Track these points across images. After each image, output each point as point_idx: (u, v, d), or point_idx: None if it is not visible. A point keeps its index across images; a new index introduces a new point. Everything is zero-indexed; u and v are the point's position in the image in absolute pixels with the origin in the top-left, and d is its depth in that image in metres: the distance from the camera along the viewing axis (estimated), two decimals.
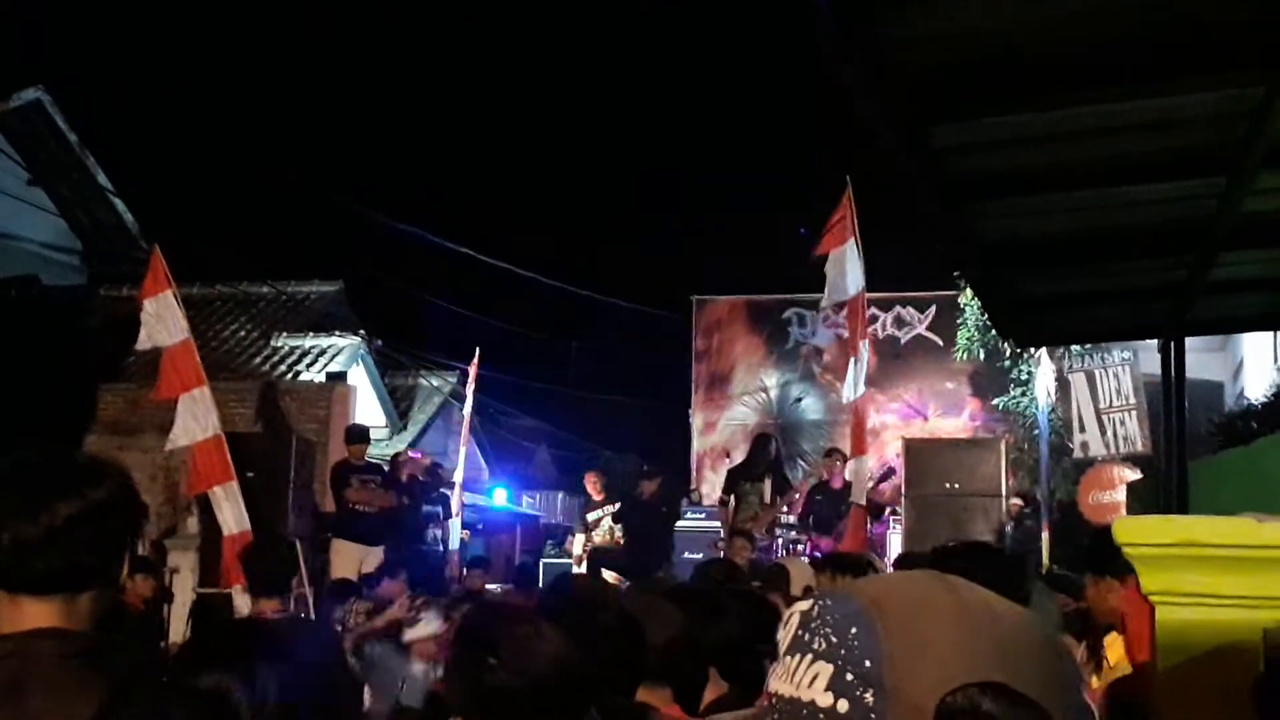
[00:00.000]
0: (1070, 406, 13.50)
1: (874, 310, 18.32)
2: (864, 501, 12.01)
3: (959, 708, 0.88)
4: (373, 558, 11.01)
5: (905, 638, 0.90)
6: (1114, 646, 3.49)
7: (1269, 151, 3.54)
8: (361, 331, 19.30)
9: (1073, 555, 11.76)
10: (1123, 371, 12.92)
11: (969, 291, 14.47)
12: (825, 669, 0.91)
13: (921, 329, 19.40)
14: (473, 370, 18.22)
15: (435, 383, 22.39)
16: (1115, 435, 12.92)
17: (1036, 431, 15.09)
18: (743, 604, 3.97)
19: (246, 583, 4.88)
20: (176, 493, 13.72)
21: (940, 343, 18.86)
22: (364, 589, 8.23)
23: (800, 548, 12.47)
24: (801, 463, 19.15)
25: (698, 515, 14.30)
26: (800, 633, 0.94)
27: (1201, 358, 12.87)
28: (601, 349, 25.89)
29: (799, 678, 0.92)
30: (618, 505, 12.81)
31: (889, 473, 13.59)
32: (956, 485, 12.15)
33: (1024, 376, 16.06)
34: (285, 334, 18.66)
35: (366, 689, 5.40)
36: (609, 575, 10.53)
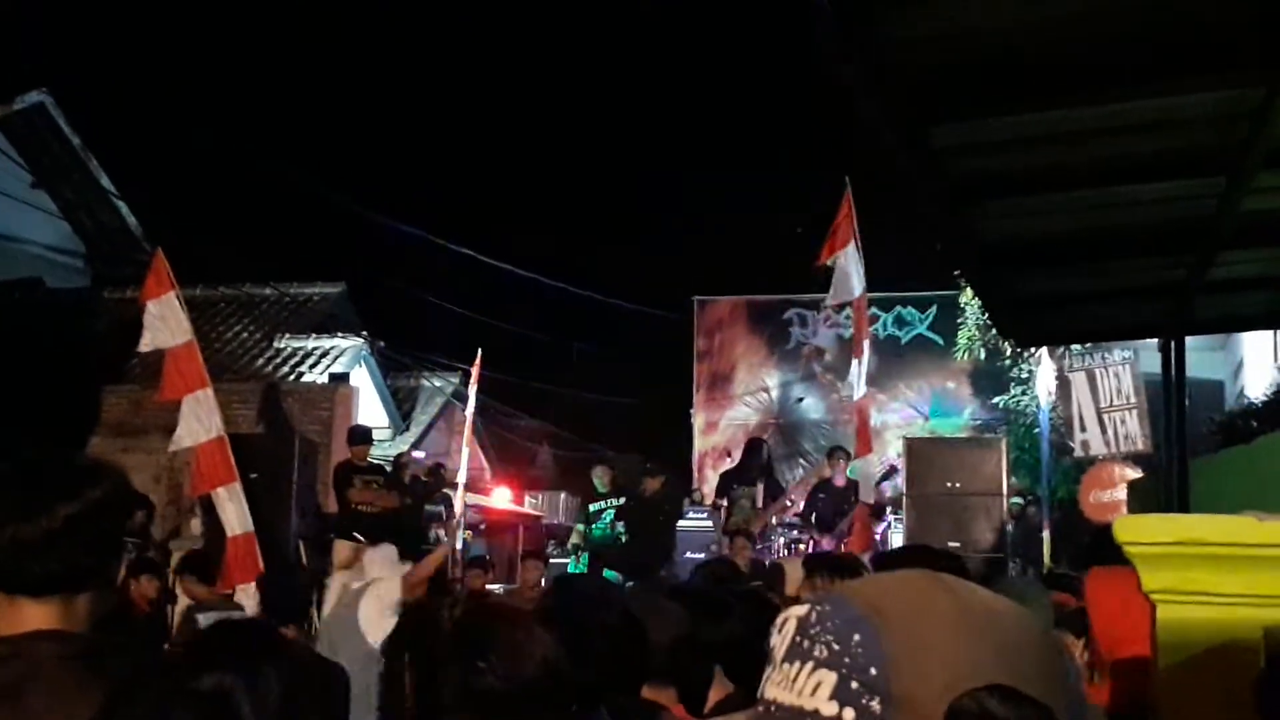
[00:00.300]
0: (1071, 405, 13.50)
1: (875, 310, 18.34)
2: (868, 501, 12.06)
3: (967, 712, 0.87)
4: (370, 555, 11.02)
5: (909, 643, 0.88)
6: None
7: (1269, 151, 3.56)
8: (364, 333, 19.30)
9: (1074, 554, 11.77)
10: (1123, 370, 12.93)
11: (969, 291, 14.48)
12: (828, 677, 0.89)
13: (922, 328, 19.42)
14: (475, 371, 18.25)
15: (437, 384, 22.40)
16: (1116, 434, 12.92)
17: (1037, 430, 15.10)
18: (746, 604, 3.98)
19: (262, 609, 4.84)
20: (180, 494, 13.74)
21: (941, 342, 18.88)
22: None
23: (802, 546, 12.49)
24: (803, 462, 19.19)
25: (699, 515, 14.31)
26: (798, 639, 0.91)
27: (1202, 357, 12.87)
28: (603, 349, 25.91)
29: (800, 686, 0.90)
30: (623, 500, 12.80)
31: (890, 471, 13.62)
32: (958, 484, 12.16)
33: (1025, 375, 16.07)
34: (288, 335, 18.67)
35: None
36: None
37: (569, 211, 36.05)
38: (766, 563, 11.49)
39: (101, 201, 19.37)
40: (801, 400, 19.89)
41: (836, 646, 0.89)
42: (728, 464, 16.82)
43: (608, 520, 12.57)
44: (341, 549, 11.67)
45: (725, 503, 12.63)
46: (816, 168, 18.56)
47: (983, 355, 17.07)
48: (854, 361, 12.96)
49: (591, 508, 12.83)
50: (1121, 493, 11.87)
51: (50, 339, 15.49)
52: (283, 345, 18.46)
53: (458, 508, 14.27)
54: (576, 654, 2.51)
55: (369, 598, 6.12)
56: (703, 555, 11.75)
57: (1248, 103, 3.33)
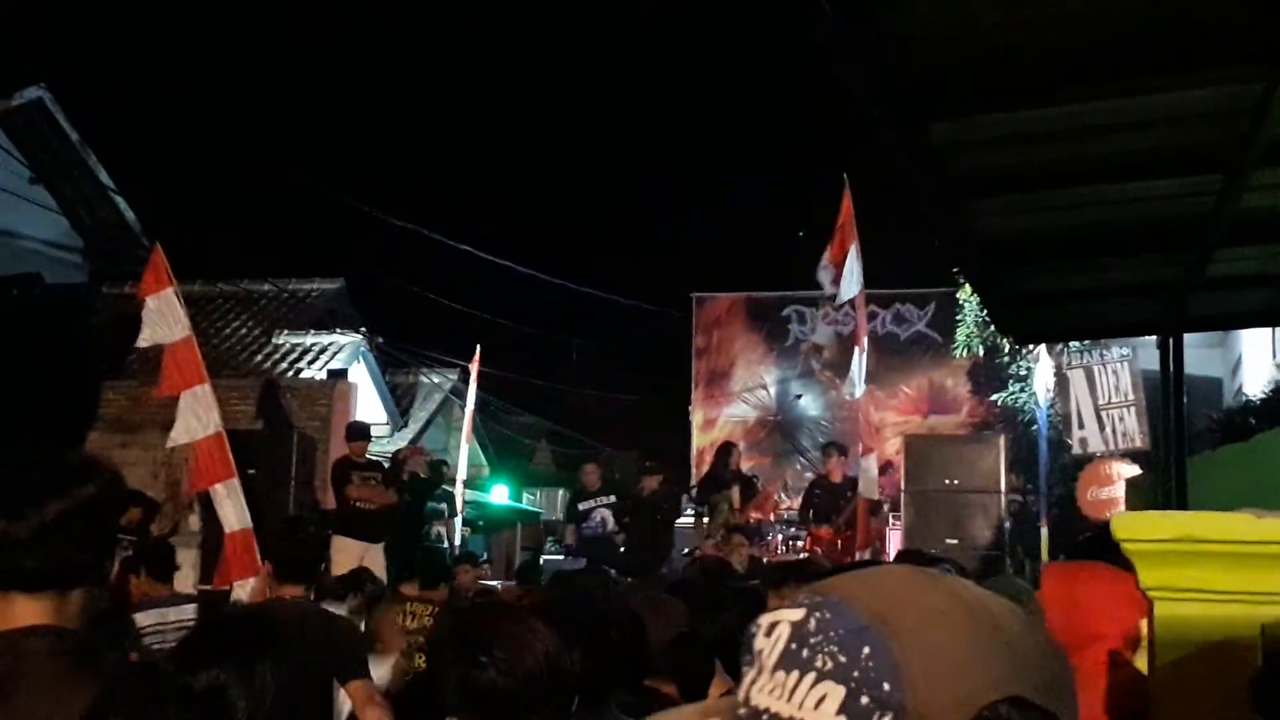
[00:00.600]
0: (1069, 402, 13.50)
1: (873, 307, 18.35)
2: (875, 497, 12.09)
3: None
4: (373, 554, 11.02)
5: (920, 655, 0.84)
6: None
7: (1267, 148, 3.56)
8: (363, 329, 19.31)
9: (1071, 551, 11.78)
10: (1121, 368, 12.93)
11: (968, 288, 14.49)
12: (835, 690, 0.84)
13: (921, 326, 19.42)
14: (474, 368, 18.25)
15: (436, 380, 22.42)
16: (1114, 431, 12.92)
17: (1035, 427, 15.11)
18: (744, 601, 3.99)
19: (272, 567, 4.80)
20: (178, 490, 13.74)
21: (940, 339, 18.89)
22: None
23: (800, 543, 12.52)
24: (801, 459, 19.19)
25: (696, 509, 14.32)
26: (794, 647, 0.86)
27: (1200, 354, 12.88)
28: (602, 346, 25.94)
29: (801, 698, 0.85)
30: (612, 498, 12.77)
31: (884, 467, 13.65)
32: (956, 481, 12.19)
33: (1023, 372, 16.07)
34: (286, 331, 18.68)
35: None
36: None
37: (569, 208, 36.08)
38: (764, 559, 11.51)
39: (100, 197, 19.36)
40: (800, 397, 19.90)
41: (843, 659, 0.84)
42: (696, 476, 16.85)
43: (598, 519, 12.55)
44: (340, 545, 11.67)
45: (705, 509, 12.66)
46: (815, 166, 18.60)
47: (981, 352, 17.07)
48: (854, 360, 12.98)
49: (580, 506, 12.80)
50: (1119, 490, 11.88)
51: (49, 335, 15.49)
52: (281, 341, 18.47)
53: (458, 504, 14.29)
54: (576, 650, 2.51)
55: None
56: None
57: (1245, 99, 3.33)
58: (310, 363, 17.95)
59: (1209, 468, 6.94)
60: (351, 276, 20.85)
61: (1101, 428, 13.02)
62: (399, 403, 21.27)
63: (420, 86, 37.61)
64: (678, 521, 13.49)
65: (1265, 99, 3.26)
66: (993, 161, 3.95)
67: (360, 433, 12.67)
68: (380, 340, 19.96)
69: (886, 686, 0.83)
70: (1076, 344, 13.19)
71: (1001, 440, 12.80)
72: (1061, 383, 13.89)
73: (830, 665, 0.84)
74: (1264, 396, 10.52)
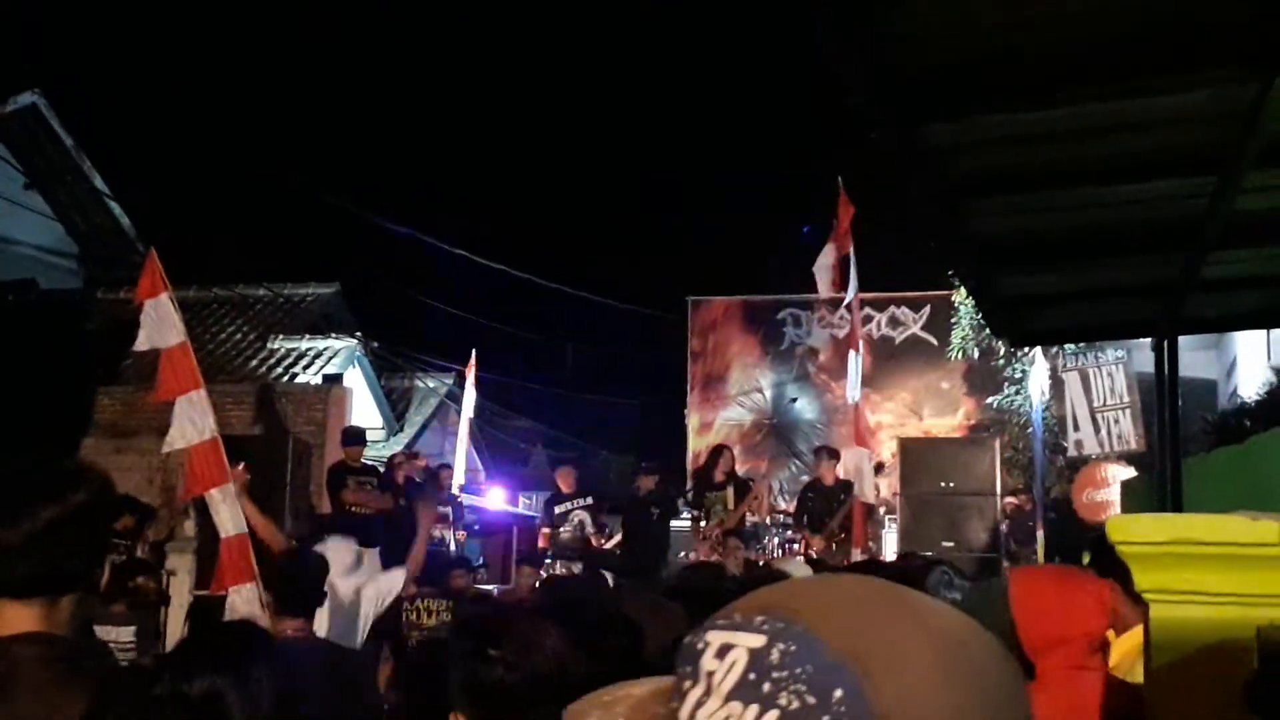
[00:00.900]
0: (1064, 405, 13.53)
1: (869, 310, 18.37)
2: (872, 498, 12.10)
3: None
4: (369, 560, 11.01)
5: (894, 698, 0.77)
6: (1113, 647, 3.50)
7: (1261, 150, 3.56)
8: (358, 334, 19.31)
9: (1067, 554, 11.79)
10: (1116, 370, 12.95)
11: (963, 291, 14.50)
12: None
13: (916, 329, 19.44)
14: (470, 372, 18.25)
15: (431, 384, 22.41)
16: (1109, 433, 12.94)
17: (1031, 430, 15.13)
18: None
19: (273, 599, 4.60)
20: (173, 495, 13.71)
21: (935, 342, 18.91)
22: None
23: (796, 546, 12.51)
24: (797, 462, 19.20)
25: (693, 513, 14.32)
26: (753, 677, 0.78)
27: (1195, 356, 12.92)
28: (597, 350, 25.95)
29: None
30: (589, 500, 12.75)
31: (877, 468, 13.67)
32: (951, 484, 12.19)
33: (1018, 375, 16.10)
34: (282, 336, 18.66)
35: None
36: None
37: (564, 212, 36.08)
38: (760, 563, 11.51)
39: (95, 202, 19.36)
40: (795, 401, 19.91)
41: (812, 700, 0.76)
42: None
43: (576, 521, 12.53)
44: (335, 550, 11.65)
45: (700, 512, 12.68)
46: (811, 169, 18.60)
47: (976, 355, 17.10)
48: (851, 363, 13.03)
49: (557, 509, 12.78)
50: (1115, 492, 11.90)
51: (44, 340, 15.47)
52: (276, 346, 18.46)
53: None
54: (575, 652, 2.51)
55: (368, 596, 6.15)
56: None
57: (1239, 101, 3.34)
58: (305, 367, 17.94)
59: (1204, 470, 6.96)
60: (347, 281, 20.87)
61: (1097, 430, 13.04)
62: (394, 407, 21.26)
63: (415, 90, 37.63)
64: (674, 524, 13.49)
65: (1259, 101, 3.26)
66: (990, 162, 3.96)
67: (355, 437, 12.67)
68: (376, 345, 19.97)
69: None
70: (1071, 346, 13.22)
71: (997, 443, 12.81)
72: (1057, 385, 13.92)
73: (797, 705, 0.76)
74: (1259, 398, 10.53)
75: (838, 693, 0.76)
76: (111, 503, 2.11)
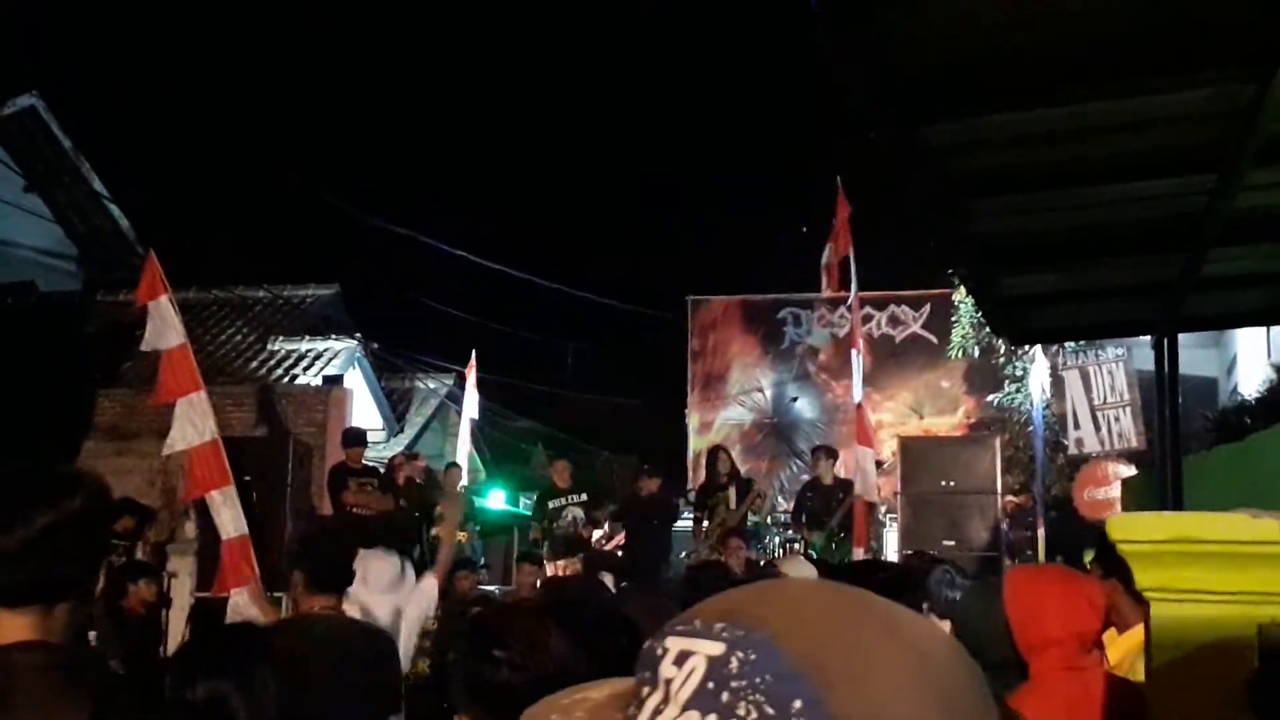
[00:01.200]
0: (1065, 403, 13.53)
1: (869, 309, 18.38)
2: (875, 497, 12.10)
3: None
4: (369, 560, 11.00)
5: (856, 708, 0.75)
6: (1114, 645, 3.51)
7: (1260, 149, 3.57)
8: (358, 335, 19.30)
9: (1068, 553, 11.79)
10: (1117, 368, 12.96)
11: (963, 289, 14.51)
12: None
13: (916, 327, 19.44)
14: (470, 373, 18.25)
15: (432, 385, 22.40)
16: (1110, 431, 12.95)
17: (1031, 428, 15.14)
18: None
19: (303, 576, 4.43)
20: (174, 497, 13.72)
21: (935, 341, 18.91)
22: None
23: (796, 545, 12.53)
24: (798, 461, 19.21)
25: (695, 514, 14.32)
26: (711, 686, 0.76)
27: (1195, 354, 12.91)
28: (598, 350, 25.96)
29: None
30: (584, 496, 12.74)
31: (877, 466, 13.69)
32: (952, 483, 12.20)
33: (1018, 373, 16.11)
34: (282, 337, 18.66)
35: None
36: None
37: (564, 212, 36.09)
38: (761, 562, 11.51)
39: (94, 204, 19.35)
40: (795, 400, 19.91)
41: (771, 711, 0.74)
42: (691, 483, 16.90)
43: (569, 517, 12.51)
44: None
45: (705, 514, 12.69)
46: (810, 169, 18.61)
47: (977, 353, 17.10)
48: (854, 362, 13.07)
49: (550, 504, 12.77)
50: (1115, 490, 11.90)
51: (43, 343, 15.46)
52: (276, 348, 18.46)
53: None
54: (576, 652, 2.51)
55: (411, 619, 5.99)
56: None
57: (1239, 100, 3.34)
58: (306, 369, 17.94)
59: (1205, 468, 6.96)
60: (347, 282, 20.86)
61: (1097, 428, 13.05)
62: (395, 408, 21.25)
63: (415, 91, 37.64)
64: (676, 526, 13.49)
65: (1258, 99, 3.27)
66: (990, 162, 3.96)
67: (356, 439, 12.67)
68: (376, 346, 19.96)
69: None
70: (1072, 344, 13.22)
71: (997, 441, 12.82)
72: (1057, 383, 13.92)
73: (755, 715, 0.74)
74: (1259, 396, 10.54)
75: (797, 703, 0.74)
76: (108, 508, 2.10)
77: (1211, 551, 2.32)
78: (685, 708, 0.76)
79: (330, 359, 18.22)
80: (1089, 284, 5.55)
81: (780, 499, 17.22)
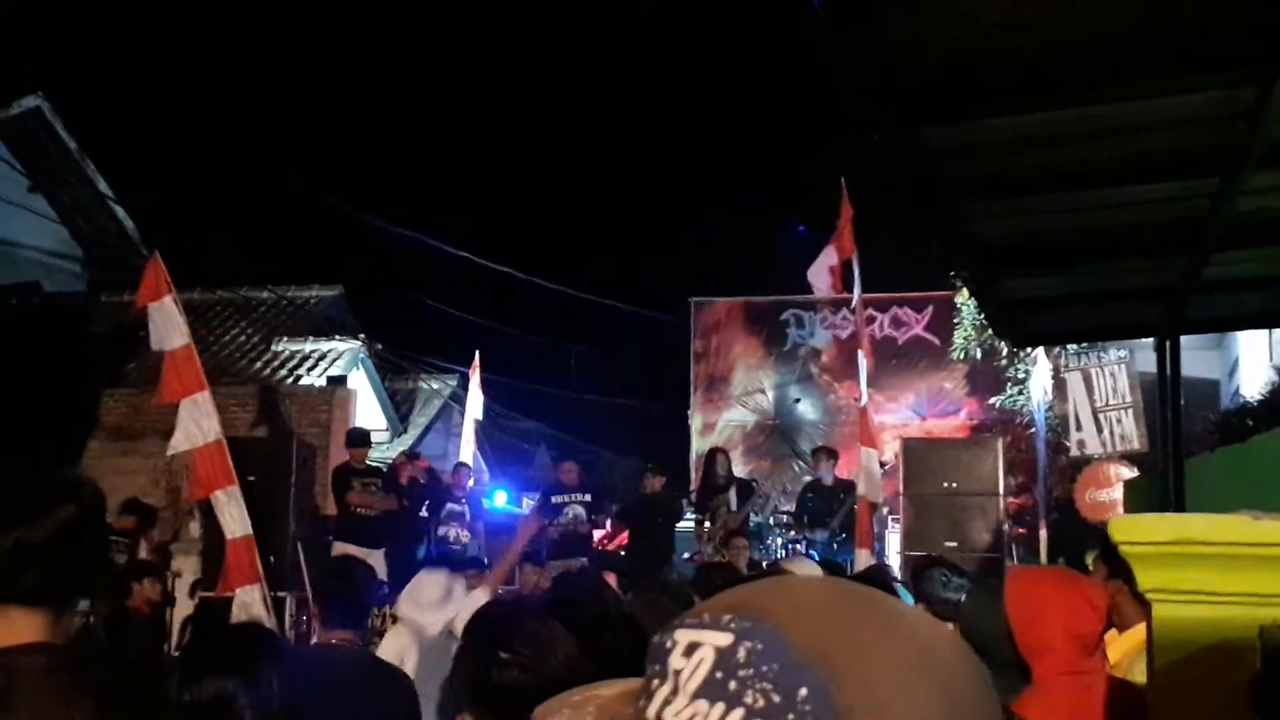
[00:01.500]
0: (1067, 405, 13.53)
1: (871, 311, 18.38)
2: (879, 498, 12.10)
3: None
4: (374, 560, 11.04)
5: (862, 698, 0.76)
6: (1114, 645, 3.52)
7: (1262, 152, 3.57)
8: (362, 335, 19.32)
9: (1070, 554, 11.80)
10: (1119, 370, 12.95)
11: (965, 291, 14.51)
12: None
13: (919, 329, 19.44)
14: (474, 374, 18.26)
15: (435, 386, 22.42)
16: (1112, 433, 12.94)
17: (1033, 430, 15.13)
18: None
19: (320, 612, 4.47)
20: (178, 497, 13.74)
21: (937, 343, 18.91)
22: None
23: (799, 546, 12.53)
24: (800, 463, 19.21)
25: (697, 516, 14.33)
26: (720, 676, 0.77)
27: (1197, 356, 12.92)
28: (601, 351, 25.96)
29: None
30: (588, 497, 12.72)
31: (879, 467, 13.69)
32: (954, 485, 12.19)
33: (1021, 375, 16.11)
34: (286, 338, 18.67)
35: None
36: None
37: (568, 214, 36.09)
38: (764, 564, 11.52)
39: (98, 205, 19.38)
40: (798, 402, 19.91)
41: (777, 699, 0.75)
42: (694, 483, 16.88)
43: (571, 515, 12.50)
44: (341, 552, 11.68)
45: (706, 515, 12.70)
46: (813, 170, 18.62)
47: (979, 355, 17.11)
48: (860, 364, 13.08)
49: (554, 499, 12.76)
50: (1118, 492, 11.90)
51: (48, 343, 15.49)
52: (280, 348, 18.47)
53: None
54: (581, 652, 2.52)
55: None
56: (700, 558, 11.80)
57: (1240, 103, 3.35)
58: (309, 369, 17.95)
59: (1206, 470, 6.96)
60: (350, 283, 20.88)
61: (1099, 430, 13.04)
62: (398, 409, 21.27)
63: (418, 92, 37.66)
64: (678, 526, 13.50)
65: (1260, 102, 3.28)
66: (991, 165, 3.96)
67: (360, 439, 12.69)
68: (379, 346, 19.97)
69: None
70: (1074, 346, 13.22)
71: (1000, 443, 12.82)
72: (1059, 385, 13.92)
73: (762, 703, 0.76)
74: (1261, 398, 10.55)
75: (803, 691, 0.76)
76: (101, 516, 2.11)
77: (1213, 553, 2.33)
78: (694, 697, 0.78)
79: (334, 360, 18.24)
80: (1091, 287, 5.56)
81: (782, 500, 17.22)
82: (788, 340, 20.22)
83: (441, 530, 13.26)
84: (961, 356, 17.53)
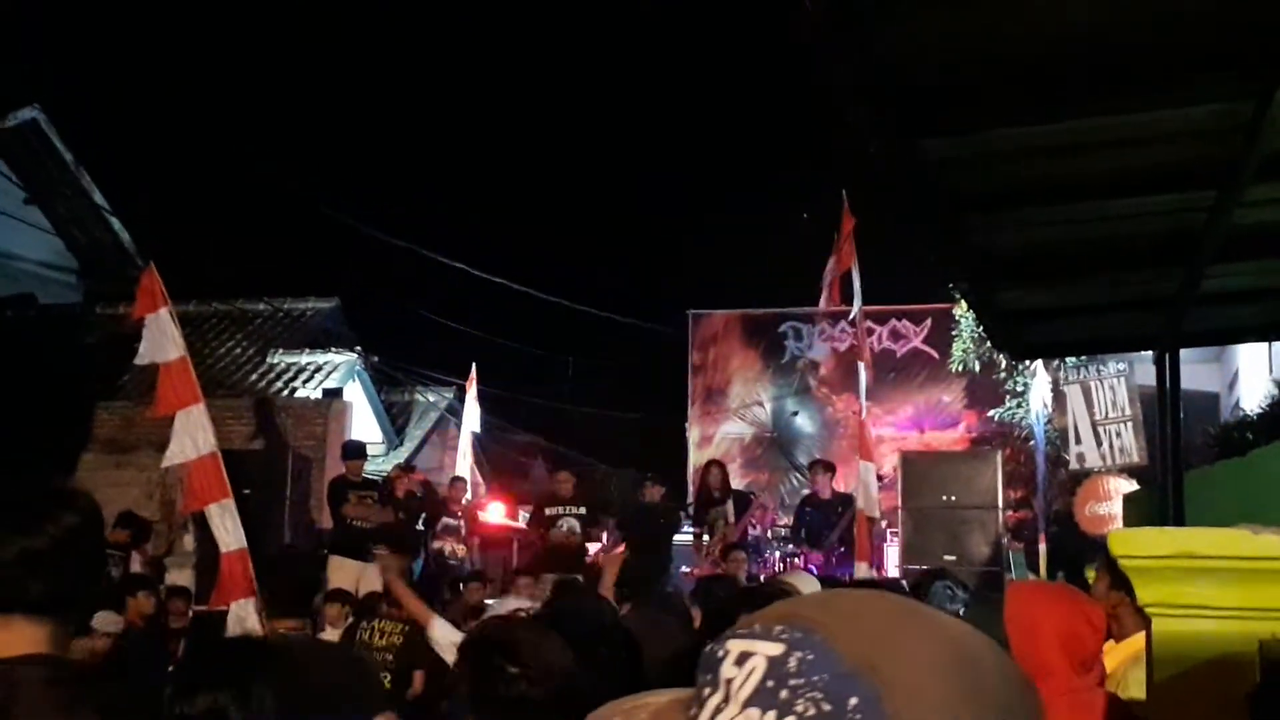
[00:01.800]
0: (1066, 418, 13.52)
1: (869, 323, 18.37)
2: (877, 513, 12.08)
3: None
4: (370, 573, 11.01)
5: (909, 708, 0.78)
6: (1110, 654, 3.50)
7: (1259, 165, 3.57)
8: (358, 348, 19.31)
9: (1069, 568, 11.77)
10: (1118, 383, 12.95)
11: (964, 304, 14.51)
12: None
13: (917, 342, 19.44)
14: (470, 386, 18.24)
15: (431, 398, 22.40)
16: (1111, 446, 12.93)
17: (1032, 443, 15.12)
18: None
19: (265, 601, 4.54)
20: (173, 510, 13.71)
21: (936, 355, 18.90)
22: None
23: (797, 560, 12.51)
24: (798, 475, 19.18)
25: (695, 530, 14.31)
26: (771, 684, 0.79)
27: (1197, 369, 12.92)
28: (598, 363, 25.95)
29: None
30: (583, 510, 12.69)
31: (877, 480, 13.68)
32: (953, 497, 12.18)
33: (1019, 388, 16.10)
34: (281, 350, 18.67)
35: None
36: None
37: (565, 225, 36.12)
38: (762, 577, 11.50)
39: (94, 217, 19.39)
40: (796, 414, 19.89)
41: (828, 708, 0.77)
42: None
43: (564, 527, 12.46)
44: (336, 564, 11.65)
45: (704, 529, 12.68)
46: (813, 182, 18.64)
47: (978, 368, 17.10)
48: (862, 376, 13.09)
49: (548, 511, 12.73)
50: (1117, 505, 11.88)
51: (43, 355, 15.47)
52: (276, 360, 18.46)
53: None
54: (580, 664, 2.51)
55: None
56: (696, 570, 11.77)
57: (1238, 116, 3.34)
58: (305, 382, 17.93)
59: (1206, 483, 6.94)
60: (346, 295, 20.88)
61: (1099, 443, 13.03)
62: (394, 421, 21.25)
63: (415, 103, 37.69)
64: (675, 539, 13.47)
65: (1258, 116, 3.27)
66: (989, 177, 3.96)
67: (356, 451, 12.67)
68: (375, 359, 19.95)
69: None
70: (1073, 359, 13.21)
71: (999, 456, 12.80)
72: (1058, 398, 13.91)
73: (813, 712, 0.78)
74: (1261, 411, 10.53)
75: (853, 700, 0.77)
76: (100, 529, 2.10)
77: (1213, 567, 2.31)
78: (746, 705, 0.79)
79: (330, 372, 18.23)
80: (1089, 299, 5.55)
81: (779, 512, 17.19)
82: (786, 353, 20.21)
83: (437, 544, 13.24)
84: (960, 369, 17.52)
